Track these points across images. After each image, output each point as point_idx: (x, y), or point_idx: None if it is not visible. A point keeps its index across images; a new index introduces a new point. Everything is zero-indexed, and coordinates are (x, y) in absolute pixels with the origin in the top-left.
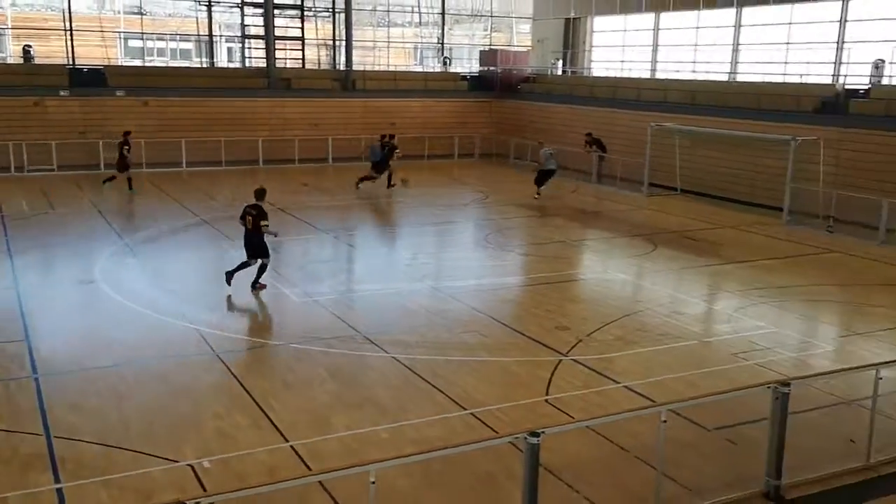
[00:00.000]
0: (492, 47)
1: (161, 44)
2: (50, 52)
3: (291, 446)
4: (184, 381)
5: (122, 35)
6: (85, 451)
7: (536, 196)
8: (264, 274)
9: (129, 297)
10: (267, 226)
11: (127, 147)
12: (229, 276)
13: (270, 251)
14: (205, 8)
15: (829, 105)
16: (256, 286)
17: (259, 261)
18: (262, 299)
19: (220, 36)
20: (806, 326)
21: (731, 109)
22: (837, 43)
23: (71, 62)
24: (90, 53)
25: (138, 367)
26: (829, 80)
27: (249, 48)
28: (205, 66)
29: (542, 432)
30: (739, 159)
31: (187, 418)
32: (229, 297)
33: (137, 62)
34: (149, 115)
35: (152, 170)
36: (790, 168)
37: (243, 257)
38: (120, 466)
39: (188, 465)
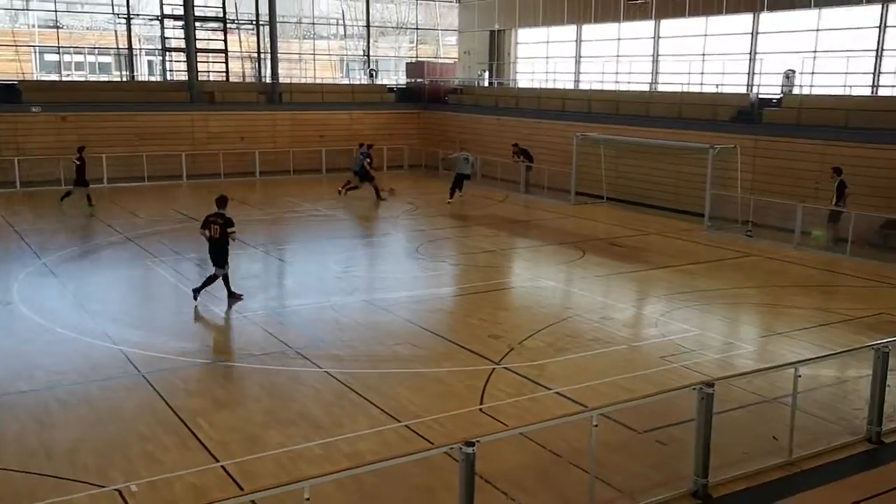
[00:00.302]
0: (418, 59)
1: (79, 58)
2: None
3: (222, 466)
4: (108, 404)
5: (37, 49)
6: (4, 480)
7: (448, 202)
8: (213, 284)
9: (49, 318)
10: (234, 232)
11: (79, 162)
12: (197, 291)
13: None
14: (124, 21)
15: (745, 114)
16: (198, 294)
17: (215, 269)
18: (189, 317)
19: (140, 49)
20: (729, 328)
21: (652, 119)
22: (750, 54)
23: None
24: (3, 68)
25: (60, 390)
26: (743, 90)
27: (170, 61)
28: (125, 80)
29: (477, 441)
30: (662, 167)
31: (112, 442)
32: (199, 313)
33: (54, 77)
34: (67, 130)
35: (71, 186)
36: (710, 175)
37: (167, 273)
38: (43, 494)
39: (115, 489)
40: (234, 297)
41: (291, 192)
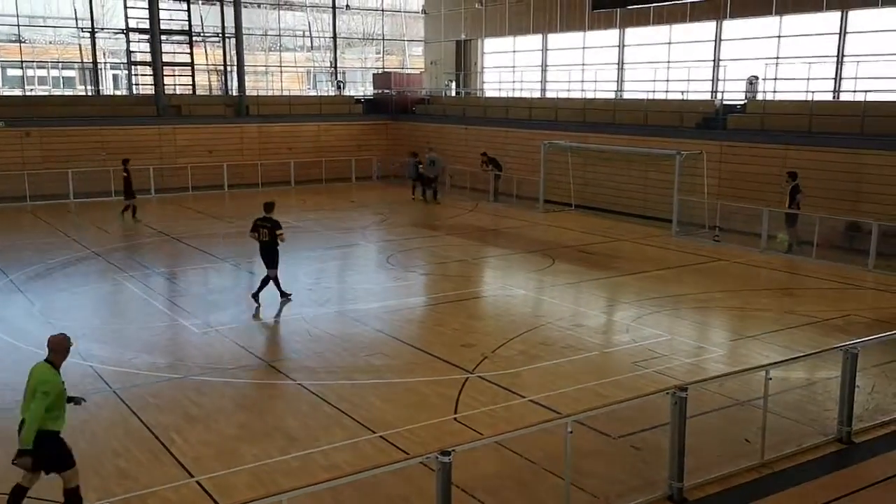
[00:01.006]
0: (385, 70)
1: (42, 72)
2: None
3: (197, 481)
4: (79, 420)
5: None
6: None
7: (412, 197)
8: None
9: (16, 336)
10: (282, 234)
11: (126, 174)
12: (256, 296)
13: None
14: (88, 35)
15: (710, 120)
16: (258, 298)
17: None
18: (160, 331)
19: (105, 63)
20: (699, 332)
21: (619, 126)
22: (714, 61)
23: None
24: None
25: None
26: (708, 97)
27: (136, 75)
28: (90, 94)
29: (453, 451)
30: (630, 174)
31: (85, 459)
32: (258, 314)
33: (17, 91)
34: (31, 146)
35: (37, 202)
36: (677, 181)
37: (136, 288)
38: None
39: None
40: (284, 297)
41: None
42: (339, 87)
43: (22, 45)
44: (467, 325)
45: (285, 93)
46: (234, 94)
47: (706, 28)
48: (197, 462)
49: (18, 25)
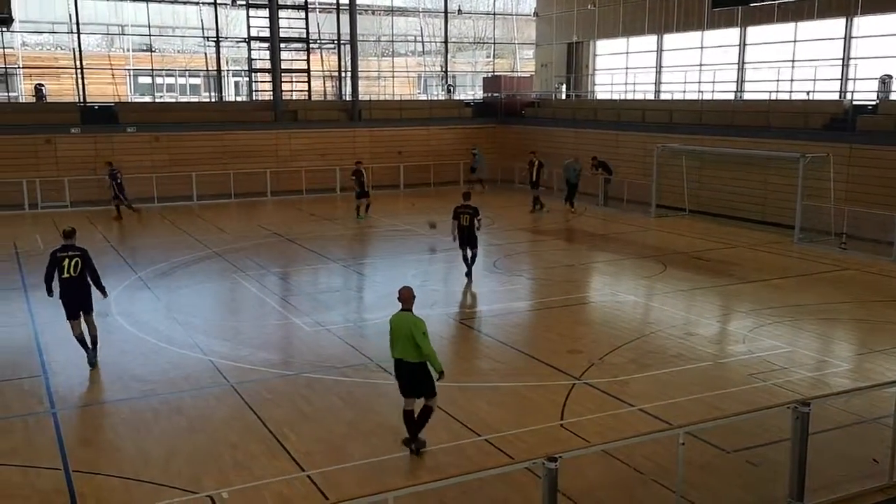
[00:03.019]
0: (495, 73)
1: (170, 80)
2: (61, 90)
3: (308, 476)
4: (199, 413)
5: (131, 72)
6: (103, 485)
7: (572, 212)
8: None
9: (144, 329)
10: (480, 220)
11: (354, 176)
12: (468, 274)
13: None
14: (213, 44)
15: (838, 121)
16: (470, 276)
17: (470, 251)
18: (273, 329)
19: (228, 70)
20: (822, 345)
21: (738, 128)
22: (843, 59)
23: (82, 100)
24: (101, 91)
25: (154, 399)
26: (836, 97)
27: (256, 81)
28: (213, 100)
29: (560, 457)
30: (748, 178)
31: (204, 449)
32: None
33: (147, 98)
34: (159, 150)
35: (164, 204)
36: (800, 185)
37: (252, 287)
38: (139, 499)
39: (207, 496)
40: (469, 277)
41: (372, 207)
42: (448, 92)
43: (152, 54)
44: (575, 331)
45: (396, 97)
46: (348, 98)
47: (835, 25)
48: (308, 457)
49: (150, 35)
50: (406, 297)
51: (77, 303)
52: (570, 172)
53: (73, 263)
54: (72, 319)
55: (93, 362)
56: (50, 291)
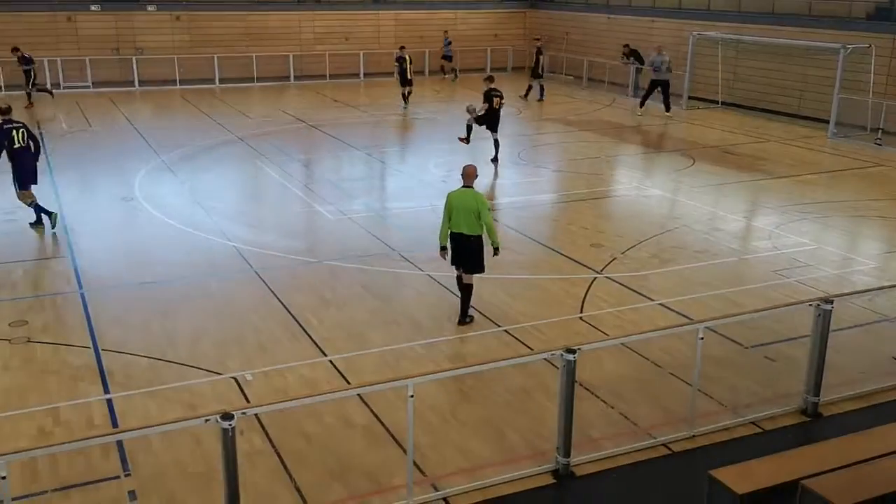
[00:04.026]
0: None
1: None
2: None
3: (330, 360)
4: (224, 297)
5: None
6: (132, 364)
7: (639, 113)
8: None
9: (169, 214)
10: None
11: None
12: (495, 160)
13: None
14: None
15: (883, 11)
16: (496, 161)
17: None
18: (297, 216)
19: None
20: (849, 243)
21: (778, 16)
22: None
23: None
24: None
25: (180, 283)
26: None
27: None
28: None
29: (579, 349)
30: (786, 69)
31: (229, 333)
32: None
33: None
34: (180, 29)
35: (185, 86)
36: (839, 78)
37: (275, 174)
38: (166, 379)
39: (232, 377)
40: (496, 161)
41: (394, 93)
42: None
43: None
44: (598, 225)
45: None
46: None
47: None
48: (329, 342)
49: None
50: (470, 173)
51: (31, 171)
52: (657, 66)
53: (20, 134)
54: (26, 189)
55: (55, 223)
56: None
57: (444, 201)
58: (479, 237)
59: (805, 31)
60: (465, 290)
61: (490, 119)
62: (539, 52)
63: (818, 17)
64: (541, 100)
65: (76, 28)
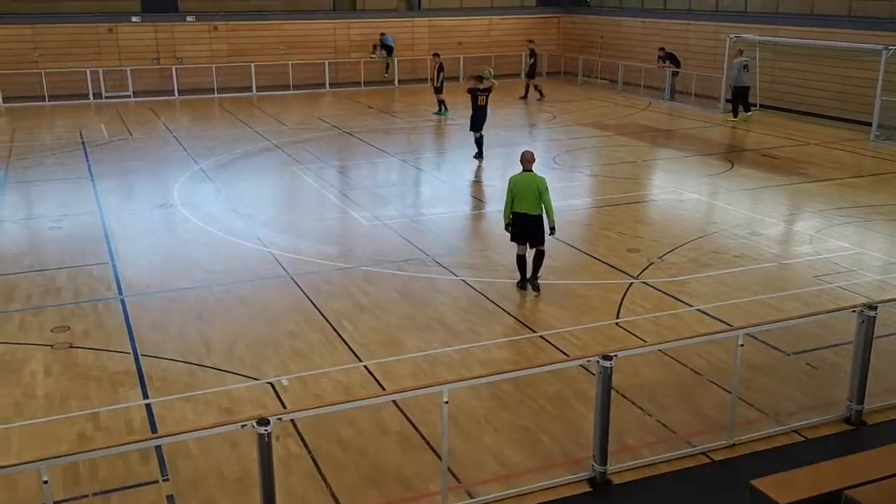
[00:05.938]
0: None
1: None
2: None
3: (365, 366)
4: (260, 302)
5: None
6: (170, 369)
7: (733, 119)
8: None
9: (206, 220)
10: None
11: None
12: (479, 156)
13: None
14: None
15: None
16: (481, 157)
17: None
18: (332, 222)
19: None
20: (892, 247)
21: (817, 18)
22: None
23: None
24: None
25: (217, 288)
26: None
27: None
28: None
29: (615, 356)
30: (825, 71)
31: (265, 338)
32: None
33: None
34: (219, 40)
35: (223, 95)
36: (881, 79)
37: (311, 180)
38: (203, 383)
39: (268, 382)
40: (480, 157)
41: (428, 100)
42: None
43: None
44: (634, 230)
45: None
46: None
47: None
48: (365, 348)
49: None
50: (529, 158)
51: None
52: (738, 72)
53: None
54: None
55: None
56: None
57: (511, 176)
58: (540, 216)
59: (845, 32)
60: (538, 258)
61: (476, 118)
62: (532, 53)
63: (858, 17)
64: (540, 99)
65: (117, 39)
